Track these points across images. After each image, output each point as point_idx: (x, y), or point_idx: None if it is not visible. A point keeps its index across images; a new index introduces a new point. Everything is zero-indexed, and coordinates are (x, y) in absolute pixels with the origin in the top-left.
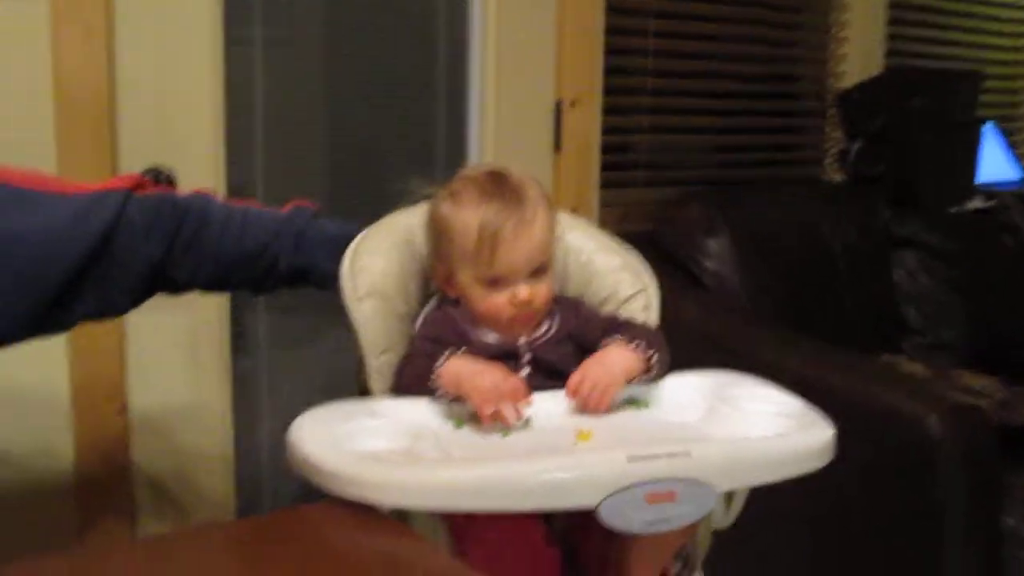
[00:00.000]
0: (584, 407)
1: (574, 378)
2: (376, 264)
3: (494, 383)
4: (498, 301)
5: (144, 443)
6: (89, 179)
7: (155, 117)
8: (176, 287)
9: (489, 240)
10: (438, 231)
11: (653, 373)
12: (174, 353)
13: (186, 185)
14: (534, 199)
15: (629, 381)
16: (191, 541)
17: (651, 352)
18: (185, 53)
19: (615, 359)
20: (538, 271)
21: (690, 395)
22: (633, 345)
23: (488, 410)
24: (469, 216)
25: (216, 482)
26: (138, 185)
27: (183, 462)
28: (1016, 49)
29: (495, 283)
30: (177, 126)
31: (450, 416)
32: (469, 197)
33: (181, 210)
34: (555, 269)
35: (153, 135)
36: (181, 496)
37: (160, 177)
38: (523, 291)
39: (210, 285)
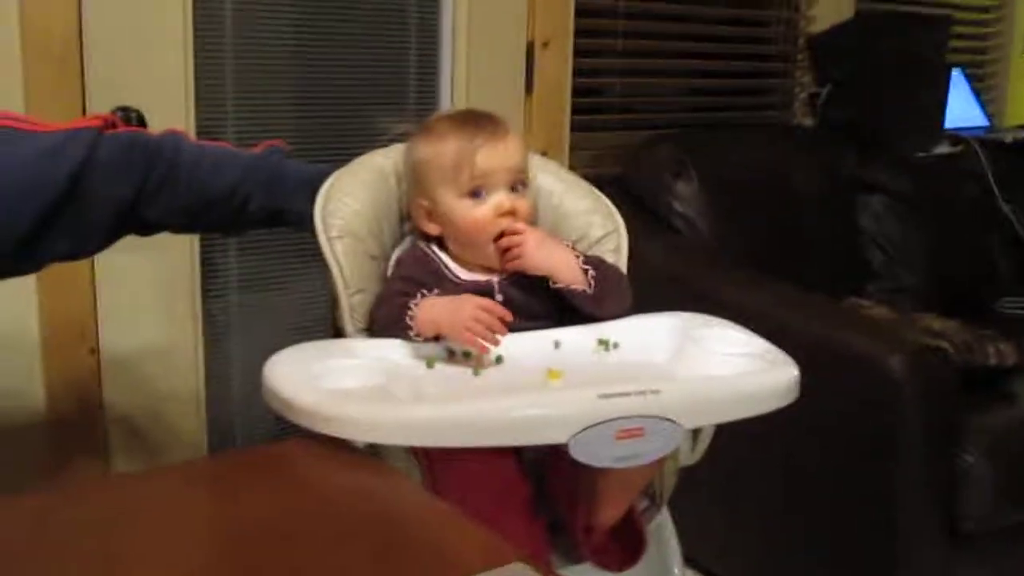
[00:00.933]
0: (503, 247)
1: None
2: (349, 204)
3: (473, 315)
4: (483, 212)
5: (116, 383)
6: (58, 120)
7: (123, 58)
8: (147, 227)
9: (468, 152)
10: (416, 164)
11: (585, 291)
12: (145, 294)
13: (156, 126)
14: (507, 124)
15: (554, 282)
16: (165, 477)
17: (593, 272)
18: None
19: (560, 248)
20: (517, 186)
21: (659, 336)
22: (581, 259)
23: (478, 343)
24: (446, 141)
25: (188, 422)
26: (108, 124)
27: (155, 402)
28: None
29: (477, 194)
30: (145, 67)
31: (423, 356)
32: (443, 128)
33: (152, 149)
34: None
35: (121, 76)
36: (153, 436)
37: (130, 117)
38: (506, 200)
39: (181, 226)
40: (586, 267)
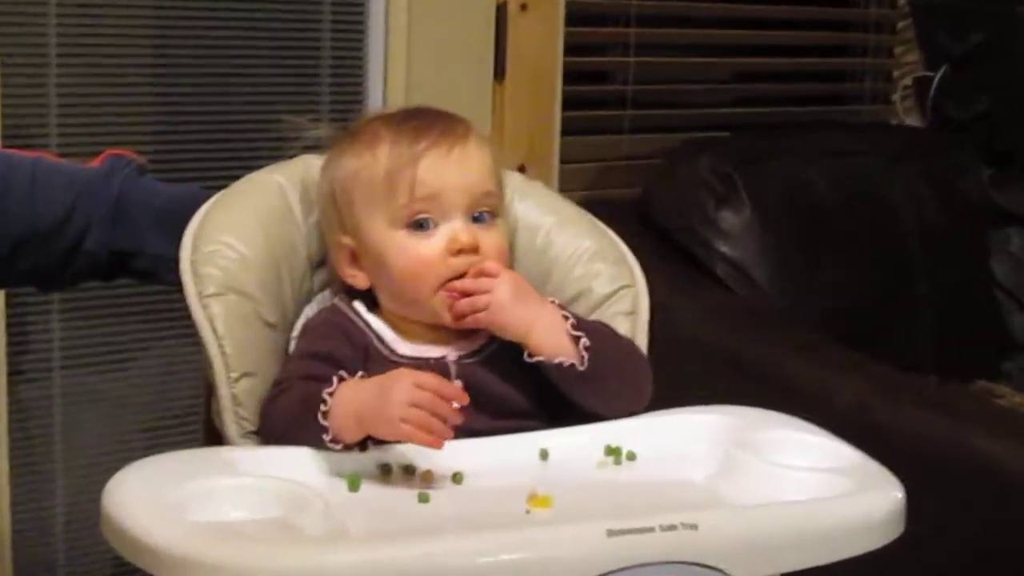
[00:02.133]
0: (457, 294)
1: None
2: (233, 245)
3: (409, 396)
4: (428, 249)
5: None
6: None
7: None
8: None
9: (407, 162)
10: (335, 183)
11: (574, 366)
12: None
13: None
14: (466, 124)
15: (529, 354)
16: None
17: (587, 342)
18: None
19: (542, 303)
20: (483, 214)
21: (695, 442)
22: (571, 322)
23: (425, 438)
24: (377, 148)
25: None
26: None
27: None
28: None
29: (421, 224)
30: None
31: (343, 473)
32: (374, 131)
33: None
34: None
35: None
36: None
37: None
38: (462, 231)
39: None
40: (577, 333)
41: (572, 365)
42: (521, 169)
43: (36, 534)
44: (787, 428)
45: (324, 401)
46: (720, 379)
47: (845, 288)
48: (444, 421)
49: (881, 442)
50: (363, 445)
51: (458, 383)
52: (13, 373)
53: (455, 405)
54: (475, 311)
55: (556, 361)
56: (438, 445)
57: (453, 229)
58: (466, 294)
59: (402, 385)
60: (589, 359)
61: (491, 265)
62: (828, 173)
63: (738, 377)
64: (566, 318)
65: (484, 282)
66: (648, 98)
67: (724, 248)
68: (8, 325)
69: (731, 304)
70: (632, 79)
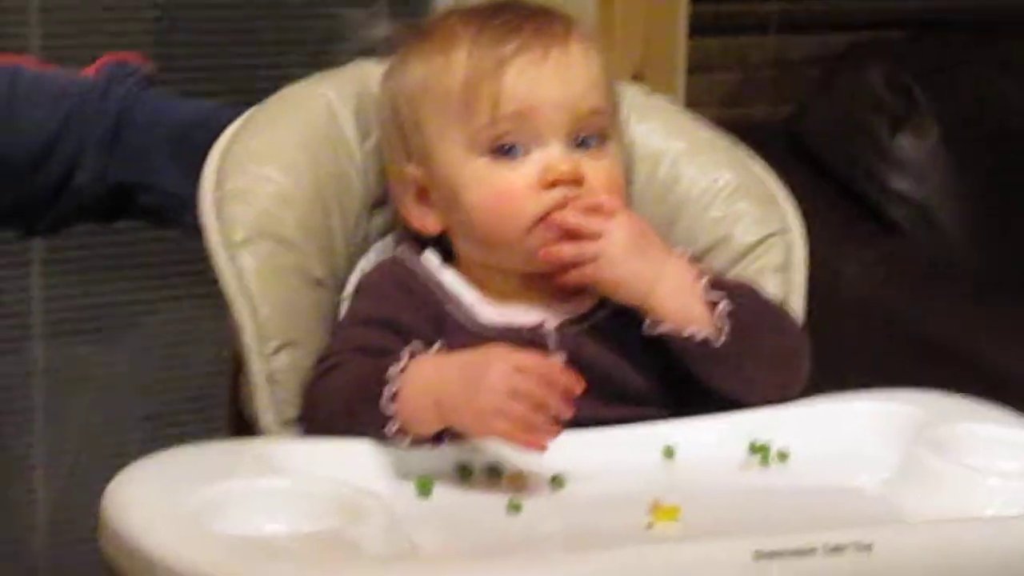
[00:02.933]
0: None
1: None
2: (269, 178)
3: (508, 384)
4: (515, 181)
5: None
6: None
7: None
8: None
9: (490, 67)
10: (400, 97)
11: (709, 342)
12: None
13: None
14: (567, 22)
15: (651, 324)
16: None
17: (728, 306)
18: None
19: (667, 257)
20: (588, 138)
21: (866, 438)
22: (706, 282)
23: (527, 439)
24: (453, 53)
25: None
26: None
27: None
28: None
29: (506, 148)
30: None
31: (411, 474)
32: (450, 31)
33: None
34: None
35: None
36: None
37: None
38: (561, 159)
39: None
40: (714, 297)
41: (706, 339)
42: (637, 79)
43: (12, 544)
44: (986, 421)
45: (390, 381)
46: (898, 355)
47: None
48: (551, 416)
49: None
50: (437, 439)
51: (559, 357)
52: None
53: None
54: (580, 262)
55: (686, 333)
56: (542, 448)
57: (549, 155)
58: (571, 235)
59: (499, 369)
60: (729, 331)
61: (606, 200)
62: None
63: (920, 353)
64: (700, 276)
65: (595, 222)
66: None
67: (902, 184)
68: None
69: (911, 257)
70: None
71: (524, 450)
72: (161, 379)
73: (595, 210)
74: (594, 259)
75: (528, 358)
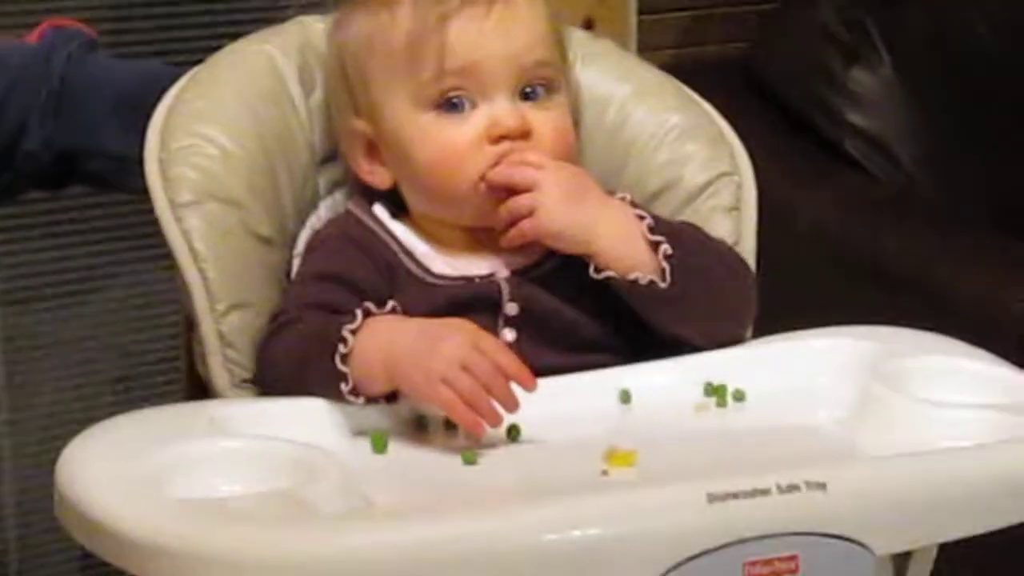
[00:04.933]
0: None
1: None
2: (213, 138)
3: (462, 357)
4: (461, 135)
5: None
6: None
7: None
8: None
9: (434, 20)
10: (343, 52)
11: (655, 283)
12: None
13: None
14: None
15: (596, 269)
16: None
17: (668, 249)
18: None
19: (605, 202)
20: (535, 88)
21: (821, 375)
22: (646, 224)
23: (467, 414)
24: (397, 5)
25: None
26: None
27: None
28: None
29: (455, 102)
30: None
31: (365, 429)
32: None
33: None
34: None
35: None
36: None
37: None
38: (507, 112)
39: None
40: (656, 239)
41: (651, 282)
42: (587, 25)
43: None
44: (941, 353)
45: (344, 340)
46: (853, 290)
47: (1017, 169)
48: (500, 399)
49: None
50: (392, 396)
51: (513, 307)
52: None
53: (515, 389)
54: (517, 218)
55: (631, 277)
56: (478, 430)
57: (496, 109)
58: (508, 190)
59: (458, 340)
60: (672, 273)
61: (531, 155)
62: (994, 14)
63: (876, 287)
64: (641, 218)
65: (525, 175)
66: None
67: (856, 118)
68: None
69: (866, 191)
70: None
71: (463, 426)
72: (122, 343)
73: (528, 165)
74: (530, 213)
75: (489, 340)
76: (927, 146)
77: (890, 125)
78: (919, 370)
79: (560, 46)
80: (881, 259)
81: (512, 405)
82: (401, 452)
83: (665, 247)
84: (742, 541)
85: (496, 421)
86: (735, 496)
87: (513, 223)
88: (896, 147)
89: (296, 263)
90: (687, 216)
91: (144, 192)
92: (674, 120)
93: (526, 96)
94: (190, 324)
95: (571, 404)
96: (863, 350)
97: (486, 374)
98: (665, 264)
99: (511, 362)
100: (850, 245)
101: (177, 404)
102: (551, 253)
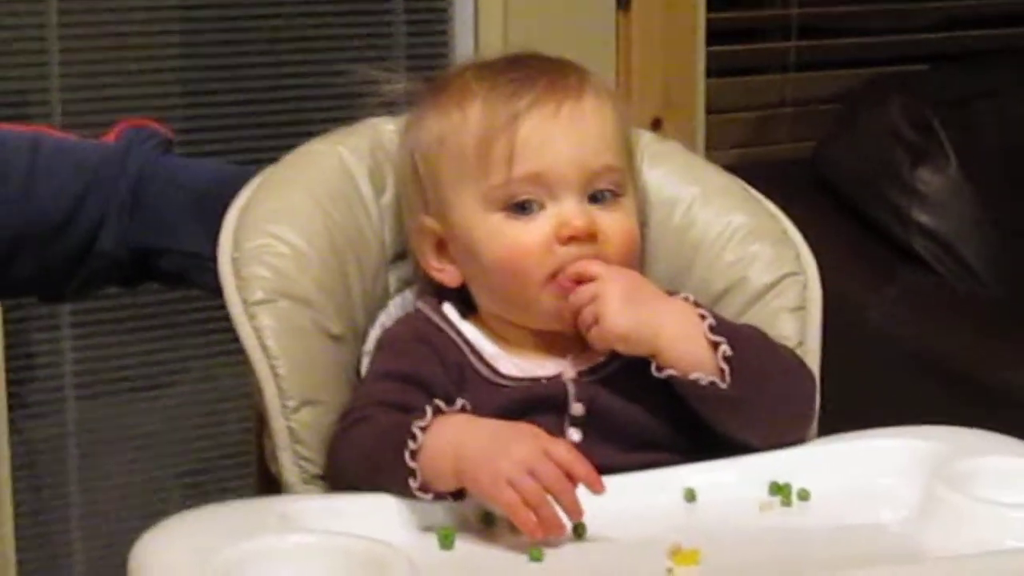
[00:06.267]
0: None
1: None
2: (285, 238)
3: (529, 462)
4: (530, 236)
5: None
6: None
7: None
8: None
9: (503, 124)
10: (415, 152)
11: (716, 385)
12: None
13: None
14: (583, 74)
15: (657, 368)
16: None
17: (728, 350)
18: None
19: (666, 304)
20: (602, 191)
21: (887, 475)
22: (707, 324)
23: (528, 518)
24: (469, 107)
25: None
26: None
27: None
28: None
29: (524, 205)
30: None
31: (433, 525)
32: (465, 85)
33: None
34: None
35: None
36: None
37: None
38: (576, 214)
39: None
40: (716, 339)
41: (712, 382)
42: (656, 125)
43: None
44: (1004, 453)
45: (414, 436)
46: (919, 391)
47: None
48: (565, 506)
49: None
50: (460, 493)
51: (579, 407)
52: (17, 406)
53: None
54: (584, 328)
55: (692, 377)
56: (537, 534)
57: (563, 211)
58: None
59: (528, 445)
60: (732, 374)
61: (588, 265)
62: None
63: (941, 385)
64: (703, 317)
65: (585, 289)
66: (819, 24)
67: (923, 217)
68: (8, 346)
69: (933, 291)
70: (796, 3)
71: (524, 531)
72: (194, 437)
73: (583, 277)
74: (595, 322)
75: (559, 446)
76: (993, 245)
77: (957, 224)
78: (982, 470)
79: (628, 148)
80: (946, 358)
81: (576, 513)
82: (468, 548)
83: (724, 348)
84: None
85: (556, 528)
86: None
87: (581, 324)
88: (962, 246)
89: (366, 361)
90: (753, 316)
91: (217, 290)
92: (739, 221)
93: (593, 199)
94: (261, 420)
95: (636, 502)
96: (926, 450)
97: (552, 480)
98: (724, 365)
99: (581, 466)
100: (917, 344)
101: (247, 499)
102: (616, 354)
